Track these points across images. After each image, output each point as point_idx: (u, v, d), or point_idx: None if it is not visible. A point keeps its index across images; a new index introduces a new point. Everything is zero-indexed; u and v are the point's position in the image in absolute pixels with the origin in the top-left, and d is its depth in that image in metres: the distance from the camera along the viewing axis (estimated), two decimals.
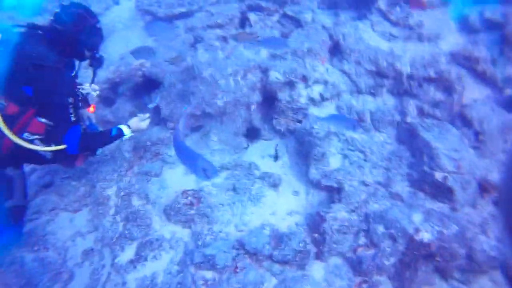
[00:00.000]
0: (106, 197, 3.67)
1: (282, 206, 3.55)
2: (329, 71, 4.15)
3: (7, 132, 2.44)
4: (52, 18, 2.70)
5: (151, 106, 3.72)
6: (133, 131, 3.11)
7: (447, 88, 3.92)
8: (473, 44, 4.18)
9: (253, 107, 4.06)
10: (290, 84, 3.99)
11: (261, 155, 4.04)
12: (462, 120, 3.64)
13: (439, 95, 3.93)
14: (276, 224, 3.36)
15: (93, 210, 3.73)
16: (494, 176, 3.38)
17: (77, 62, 2.98)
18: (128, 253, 3.42)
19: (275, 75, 3.92)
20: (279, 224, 3.38)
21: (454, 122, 3.68)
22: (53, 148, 2.65)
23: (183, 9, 4.94)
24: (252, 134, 4.11)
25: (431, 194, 3.28)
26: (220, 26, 4.49)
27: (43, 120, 2.65)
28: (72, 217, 3.85)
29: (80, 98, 2.97)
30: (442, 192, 3.21)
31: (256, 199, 3.53)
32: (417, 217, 3.14)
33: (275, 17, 4.76)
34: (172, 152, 3.99)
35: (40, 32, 2.70)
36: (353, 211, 3.25)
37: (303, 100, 3.97)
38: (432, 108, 3.79)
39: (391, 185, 3.37)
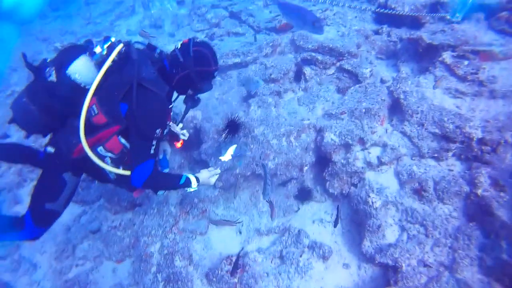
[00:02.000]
0: (149, 254, 3.70)
1: (330, 281, 3.32)
2: (388, 132, 3.90)
3: (83, 141, 2.38)
4: (178, 47, 2.65)
5: (223, 158, 3.57)
6: (199, 185, 2.94)
7: None
8: None
9: (305, 168, 3.92)
10: (346, 146, 3.80)
11: (311, 219, 3.86)
12: None
13: None
14: None
15: (136, 264, 3.78)
16: None
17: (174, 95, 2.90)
18: None
19: (330, 137, 3.76)
20: None
21: None
22: (120, 171, 2.58)
23: (237, 60, 4.98)
24: (303, 195, 3.94)
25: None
26: (274, 80, 4.44)
27: (123, 141, 2.55)
28: (115, 267, 3.95)
29: (167, 132, 2.93)
30: None
31: (304, 271, 3.33)
32: None
33: (331, 71, 4.62)
34: (219, 211, 3.96)
35: (156, 56, 2.69)
36: None
37: (359, 164, 3.75)
38: (510, 179, 3.36)
39: (458, 270, 2.99)
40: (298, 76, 4.59)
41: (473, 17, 5.09)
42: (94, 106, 2.39)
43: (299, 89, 4.50)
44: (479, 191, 3.32)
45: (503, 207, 3.10)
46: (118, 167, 2.56)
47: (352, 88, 4.25)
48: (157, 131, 2.47)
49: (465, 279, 2.92)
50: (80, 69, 2.42)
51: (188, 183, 2.82)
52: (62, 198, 2.71)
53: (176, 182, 2.79)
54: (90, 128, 2.42)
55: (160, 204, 4.10)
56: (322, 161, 3.95)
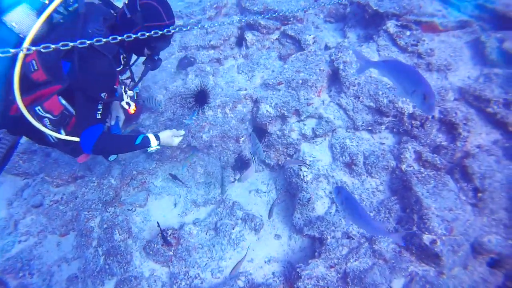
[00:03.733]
0: (90, 229, 3.66)
1: (262, 252, 3.45)
2: (325, 104, 3.90)
3: (18, 98, 2.16)
4: (125, 1, 2.36)
5: (187, 122, 3.37)
6: (160, 144, 2.71)
7: (451, 130, 3.63)
8: (486, 80, 3.82)
9: (242, 139, 3.90)
10: (282, 118, 3.78)
11: (248, 189, 3.92)
12: (462, 172, 3.37)
13: (441, 138, 3.64)
14: (253, 273, 3.28)
15: (78, 239, 3.76)
16: (490, 237, 3.15)
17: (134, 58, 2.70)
18: None
19: (266, 108, 3.72)
20: (256, 273, 3.30)
21: (454, 173, 3.41)
22: (60, 136, 2.39)
23: (180, 22, 4.69)
24: (241, 165, 3.96)
25: (418, 255, 3.09)
26: (214, 47, 4.24)
27: (64, 102, 2.36)
28: (59, 240, 3.92)
29: (118, 95, 2.67)
30: (429, 256, 3.02)
31: (236, 244, 3.44)
32: (398, 283, 3.00)
33: (275, 36, 4.45)
34: (157, 182, 3.92)
35: (112, 12, 2.43)
36: (331, 267, 3.11)
37: (294, 136, 3.77)
38: (432, 155, 3.51)
39: (376, 241, 3.19)
40: (241, 41, 4.41)
41: None
42: (33, 61, 2.18)
43: (240, 55, 4.34)
44: (403, 166, 3.47)
45: (421, 182, 3.27)
46: (58, 130, 2.39)
47: (293, 55, 4.15)
48: (102, 94, 2.30)
49: (380, 250, 3.12)
50: (19, 17, 2.17)
51: (146, 142, 2.61)
52: None
53: (130, 143, 2.59)
54: (28, 85, 2.19)
55: (101, 176, 4.00)
56: (260, 131, 3.94)
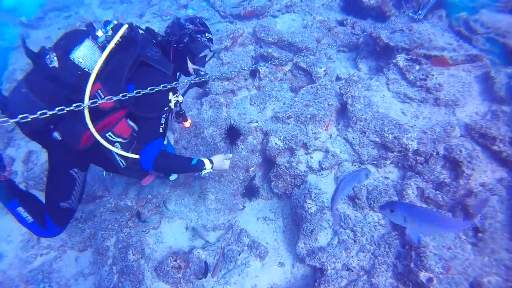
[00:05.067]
0: (106, 248, 3.95)
1: (265, 279, 3.63)
2: (332, 138, 4.05)
3: (90, 126, 2.30)
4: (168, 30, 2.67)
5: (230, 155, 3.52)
6: (213, 168, 2.88)
7: (455, 168, 3.70)
8: (493, 117, 3.86)
9: (252, 169, 4.11)
10: (290, 150, 3.97)
11: (256, 216, 4.12)
12: (463, 211, 3.43)
13: (444, 175, 3.71)
14: None
15: (94, 255, 4.06)
16: (490, 278, 3.20)
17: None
18: None
19: (275, 141, 3.92)
20: None
21: (455, 211, 3.48)
22: (128, 154, 2.53)
23: None
24: (251, 192, 4.17)
25: None
26: (228, 78, 4.47)
27: (132, 124, 2.51)
28: (77, 256, 4.24)
29: (176, 111, 2.89)
30: None
31: (241, 269, 3.64)
32: None
33: (288, 67, 4.65)
34: (171, 206, 4.18)
35: (158, 39, 2.67)
36: None
37: (302, 168, 3.94)
38: (434, 191, 3.60)
39: (374, 275, 3.31)
40: (254, 72, 4.63)
41: (435, 14, 5.08)
42: (99, 91, 2.34)
43: (253, 87, 4.56)
44: (405, 202, 3.57)
45: None
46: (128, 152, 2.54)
47: (304, 88, 4.32)
48: (165, 108, 2.48)
49: (378, 283, 3.24)
50: (84, 53, 2.35)
51: (200, 165, 2.78)
52: (75, 194, 2.72)
53: (187, 164, 2.75)
54: (97, 114, 2.36)
55: (118, 198, 4.29)
56: (269, 161, 4.13)
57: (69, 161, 2.61)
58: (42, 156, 5.22)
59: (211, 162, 2.85)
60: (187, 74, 2.82)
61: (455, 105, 4.09)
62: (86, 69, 2.34)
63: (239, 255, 3.70)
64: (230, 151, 3.97)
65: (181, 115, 3.00)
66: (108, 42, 2.34)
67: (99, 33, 2.39)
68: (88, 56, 2.35)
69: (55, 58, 2.35)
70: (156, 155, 2.48)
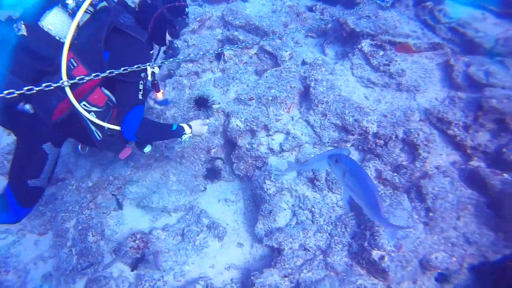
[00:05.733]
0: (65, 230, 3.88)
1: (223, 259, 3.64)
2: (294, 120, 4.07)
3: (70, 95, 2.23)
4: None
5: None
6: (193, 133, 2.94)
7: (413, 151, 3.78)
8: (450, 103, 3.95)
9: (213, 150, 4.09)
10: (252, 132, 3.97)
11: (218, 198, 4.11)
12: (417, 192, 3.52)
13: (402, 158, 3.79)
14: (213, 278, 3.48)
15: (54, 238, 3.99)
16: (438, 255, 3.30)
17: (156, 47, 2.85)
18: (78, 286, 3.67)
19: (235, 122, 3.90)
20: (216, 278, 3.49)
21: (410, 192, 3.56)
22: (106, 124, 2.47)
23: None
24: (212, 174, 4.16)
25: (368, 270, 3.25)
26: (192, 60, 4.42)
27: (107, 92, 2.46)
28: (37, 239, 4.15)
29: (151, 79, 2.83)
30: (377, 270, 3.18)
31: (199, 249, 3.64)
32: None
33: (253, 50, 4.63)
34: (132, 188, 4.12)
35: (130, 8, 2.64)
36: (285, 276, 3.29)
37: (262, 149, 3.95)
38: (392, 173, 3.67)
39: (330, 254, 3.36)
40: (219, 55, 4.59)
41: (403, 2, 5.15)
42: (72, 59, 2.27)
43: (217, 69, 4.53)
44: None
45: None
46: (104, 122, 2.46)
47: (268, 71, 4.32)
48: (142, 74, 2.43)
49: (333, 263, 3.30)
50: (54, 20, 2.25)
51: (180, 131, 2.83)
52: (45, 172, 2.55)
53: (168, 130, 2.79)
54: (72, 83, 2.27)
55: (80, 180, 4.22)
56: (232, 143, 4.13)
57: (42, 135, 2.47)
58: (3, 139, 5.06)
59: (190, 127, 2.90)
60: (163, 44, 2.82)
61: (416, 90, 4.17)
62: (57, 37, 2.25)
63: (198, 235, 3.69)
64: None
65: (154, 86, 2.99)
66: (78, 8, 2.25)
67: (69, 0, 2.31)
68: (58, 24, 2.25)
69: (23, 26, 2.23)
70: (138, 123, 2.44)
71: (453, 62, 4.16)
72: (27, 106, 2.33)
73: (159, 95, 3.08)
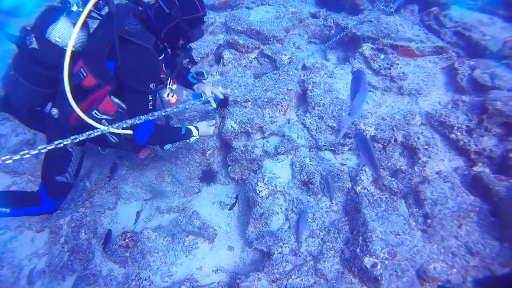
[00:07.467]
0: (59, 226, 3.90)
1: (212, 261, 3.55)
2: (291, 123, 4.00)
3: (74, 106, 2.30)
4: None
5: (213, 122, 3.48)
6: (200, 135, 3.07)
7: (412, 155, 3.62)
8: (453, 107, 3.79)
9: (208, 152, 4.05)
10: (247, 134, 3.91)
11: (212, 200, 4.05)
12: (415, 198, 3.35)
13: (401, 162, 3.64)
14: (199, 280, 3.39)
15: (49, 235, 4.01)
16: (437, 265, 3.11)
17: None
18: (67, 284, 3.65)
19: (230, 124, 3.86)
20: (203, 281, 3.39)
21: (408, 198, 3.39)
22: (119, 131, 2.51)
23: None
24: (207, 177, 4.11)
25: (360, 278, 3.09)
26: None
27: (117, 100, 2.48)
28: (34, 236, 4.17)
29: (162, 85, 2.89)
30: (369, 279, 3.01)
31: (188, 251, 3.56)
32: None
33: (253, 55, 4.63)
34: (128, 188, 4.12)
35: (141, 8, 2.52)
36: (273, 281, 3.16)
37: (258, 152, 3.88)
38: (390, 178, 3.53)
39: (321, 260, 3.22)
40: (219, 59, 4.61)
41: (408, 8, 5.06)
42: (82, 69, 2.33)
43: (216, 72, 4.53)
44: (358, 188, 3.49)
45: (371, 205, 3.28)
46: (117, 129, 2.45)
47: (267, 74, 4.29)
48: (151, 85, 2.43)
49: (323, 269, 3.14)
50: (60, 31, 2.32)
51: (188, 133, 2.97)
52: (71, 169, 2.80)
53: (178, 133, 2.91)
54: (82, 92, 2.36)
55: (79, 179, 4.25)
56: (228, 146, 4.08)
57: (64, 136, 2.55)
58: (11, 139, 5.20)
59: (197, 128, 3.02)
60: (174, 49, 2.75)
61: (418, 94, 4.04)
62: (65, 48, 2.28)
63: (187, 236, 3.62)
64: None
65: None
66: (79, 16, 2.29)
67: (74, 8, 2.36)
68: (65, 34, 2.33)
69: (34, 39, 2.34)
70: (150, 132, 2.55)
71: (457, 66, 4.02)
72: (54, 111, 2.51)
73: (173, 100, 3.13)
